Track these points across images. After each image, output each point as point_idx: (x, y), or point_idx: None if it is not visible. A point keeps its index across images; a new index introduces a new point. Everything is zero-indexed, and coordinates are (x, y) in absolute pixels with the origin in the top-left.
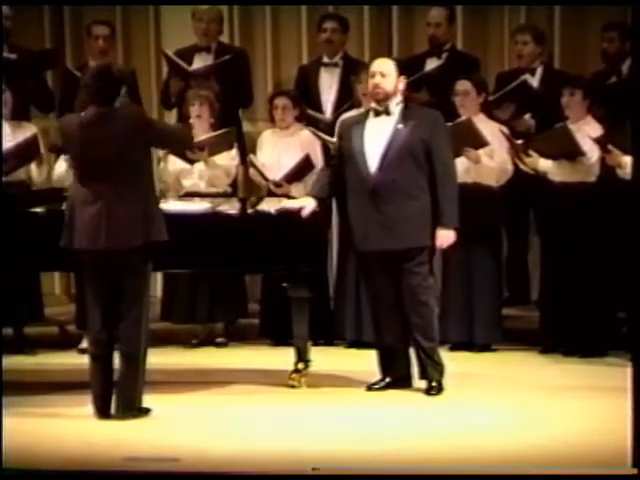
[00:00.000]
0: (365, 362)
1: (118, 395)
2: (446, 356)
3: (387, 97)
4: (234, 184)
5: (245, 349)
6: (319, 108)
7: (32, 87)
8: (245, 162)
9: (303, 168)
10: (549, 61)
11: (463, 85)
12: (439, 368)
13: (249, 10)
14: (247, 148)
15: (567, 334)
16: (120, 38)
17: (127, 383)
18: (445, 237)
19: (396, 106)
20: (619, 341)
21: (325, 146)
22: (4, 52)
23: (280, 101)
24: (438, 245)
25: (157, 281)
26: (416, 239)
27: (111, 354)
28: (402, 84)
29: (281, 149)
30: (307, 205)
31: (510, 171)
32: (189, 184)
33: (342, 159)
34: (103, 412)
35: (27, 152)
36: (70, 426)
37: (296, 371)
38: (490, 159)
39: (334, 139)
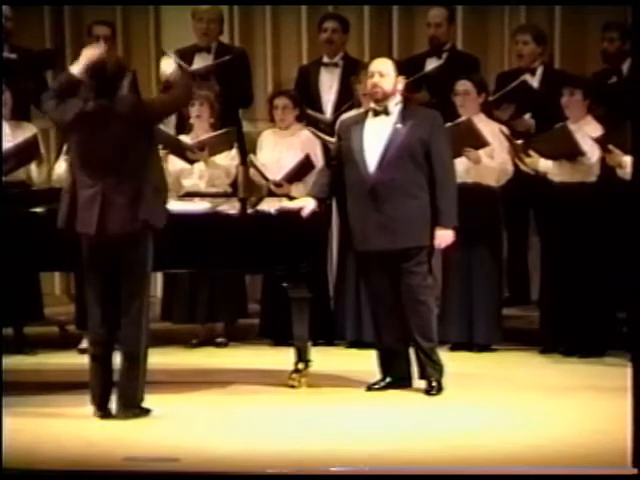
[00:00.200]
0: (365, 362)
1: (119, 395)
2: (446, 356)
3: (386, 97)
4: (234, 184)
5: (245, 349)
6: (319, 108)
7: (32, 87)
8: (245, 162)
9: (303, 168)
10: (549, 61)
11: (463, 85)
12: (438, 368)
13: (249, 10)
14: (247, 148)
15: (567, 334)
16: (120, 38)
17: (128, 383)
18: (444, 237)
19: (395, 106)
20: (619, 341)
21: (325, 146)
22: (4, 52)
23: (280, 101)
24: (436, 245)
25: (157, 281)
26: (415, 239)
27: (111, 354)
28: (401, 84)
29: (281, 149)
30: (307, 205)
31: (510, 171)
32: (189, 184)
33: (341, 159)
34: (102, 412)
35: (27, 152)
36: (70, 426)
37: (296, 371)
38: (490, 159)
39: (334, 139)
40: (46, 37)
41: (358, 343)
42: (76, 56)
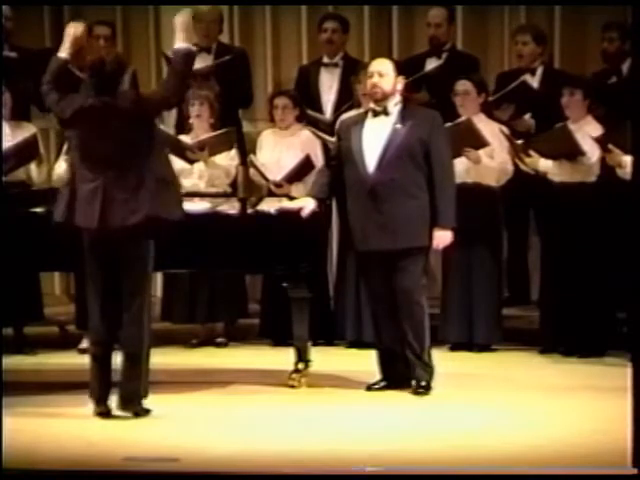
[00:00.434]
0: (365, 362)
1: (120, 394)
2: (446, 356)
3: (385, 97)
4: (234, 184)
5: (245, 349)
6: (319, 108)
7: (32, 87)
8: (245, 162)
9: (303, 168)
10: (549, 61)
11: (463, 85)
12: (429, 370)
13: (249, 10)
14: (247, 148)
15: (567, 334)
16: (120, 38)
17: (129, 383)
18: (442, 238)
19: (394, 106)
20: (619, 341)
21: (325, 146)
22: (4, 52)
23: (280, 101)
24: (435, 246)
25: (157, 281)
26: (415, 239)
27: (111, 354)
28: (400, 84)
29: (281, 149)
30: (307, 205)
31: (510, 171)
32: (189, 184)
33: (341, 159)
34: (101, 407)
35: (27, 152)
36: (70, 426)
37: (296, 371)
38: (490, 159)
39: (334, 139)
40: (46, 37)
41: (358, 343)
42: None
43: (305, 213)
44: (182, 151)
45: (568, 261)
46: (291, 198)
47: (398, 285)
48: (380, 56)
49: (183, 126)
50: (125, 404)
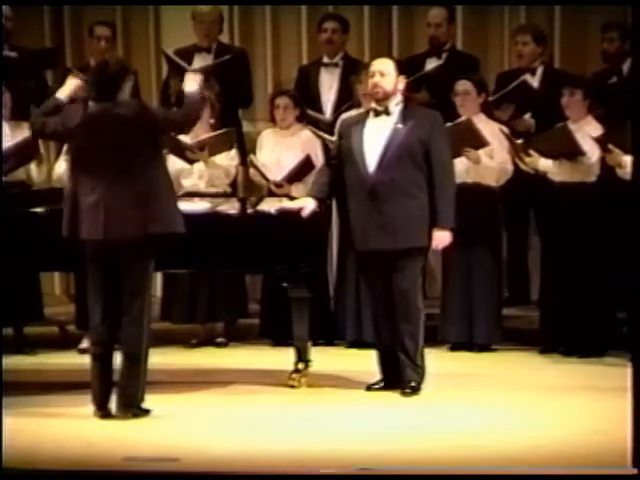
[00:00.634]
0: (365, 362)
1: (119, 394)
2: (446, 356)
3: (386, 96)
4: (234, 184)
5: (245, 349)
6: (319, 108)
7: (32, 87)
8: (245, 162)
9: (304, 168)
10: (549, 61)
11: (463, 85)
12: (420, 371)
13: (249, 10)
14: (247, 148)
15: (567, 334)
16: (120, 38)
17: (128, 382)
18: (441, 238)
19: (396, 106)
20: (619, 341)
21: (326, 146)
22: (4, 52)
23: (281, 101)
24: (434, 246)
25: (157, 281)
26: (415, 239)
27: (111, 353)
28: (401, 84)
29: (282, 149)
30: (307, 205)
31: (510, 171)
32: (189, 184)
33: (341, 159)
34: (103, 411)
35: (27, 152)
36: (70, 426)
37: (296, 371)
38: (490, 159)
39: (334, 138)
40: (46, 37)
41: (358, 343)
42: (76, 56)
43: (305, 213)
44: (182, 151)
45: (568, 261)
46: (291, 198)
47: (396, 286)
48: (380, 56)
49: None
50: (124, 408)
